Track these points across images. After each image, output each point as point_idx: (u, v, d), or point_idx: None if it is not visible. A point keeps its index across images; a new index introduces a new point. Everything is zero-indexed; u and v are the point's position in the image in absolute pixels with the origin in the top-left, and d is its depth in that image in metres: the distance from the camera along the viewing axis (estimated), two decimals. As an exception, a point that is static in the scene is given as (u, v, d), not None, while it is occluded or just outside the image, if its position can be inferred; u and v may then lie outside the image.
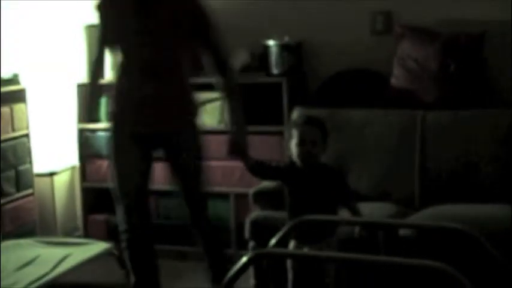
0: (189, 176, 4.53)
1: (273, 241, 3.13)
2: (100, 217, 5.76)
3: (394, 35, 5.25)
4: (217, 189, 5.40)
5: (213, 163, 5.41)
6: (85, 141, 5.76)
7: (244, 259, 2.87)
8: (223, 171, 5.41)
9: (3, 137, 5.29)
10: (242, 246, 5.12)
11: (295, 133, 3.92)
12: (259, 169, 4.14)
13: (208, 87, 5.39)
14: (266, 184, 4.72)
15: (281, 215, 4.18)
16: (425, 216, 4.37)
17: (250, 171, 4.17)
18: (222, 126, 5.38)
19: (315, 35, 5.42)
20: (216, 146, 5.41)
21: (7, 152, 5.33)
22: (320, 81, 5.37)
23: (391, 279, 3.89)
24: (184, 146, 4.45)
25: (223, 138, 5.34)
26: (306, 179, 3.91)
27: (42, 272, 4.57)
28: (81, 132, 5.78)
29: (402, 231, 4.08)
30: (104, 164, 5.68)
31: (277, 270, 3.33)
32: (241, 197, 5.31)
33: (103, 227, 5.72)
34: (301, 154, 3.88)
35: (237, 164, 5.33)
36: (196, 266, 5.35)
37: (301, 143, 3.88)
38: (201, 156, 4.57)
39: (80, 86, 5.72)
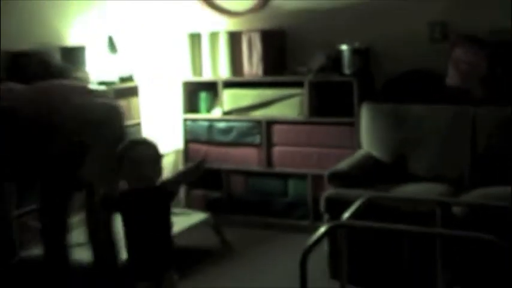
0: None
1: (346, 215, 3.14)
2: (199, 192, 5.84)
3: (449, 42, 5.18)
4: (297, 170, 5.45)
5: (294, 149, 5.47)
6: (188, 128, 5.84)
7: (322, 229, 2.90)
8: (302, 156, 5.43)
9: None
10: (317, 219, 5.14)
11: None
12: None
13: (289, 84, 5.46)
14: (340, 166, 4.72)
15: (352, 192, 4.19)
16: (476, 196, 4.32)
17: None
18: (301, 117, 5.39)
19: (382, 41, 5.38)
20: (296, 134, 5.45)
21: (126, 137, 5.42)
22: (385, 81, 5.34)
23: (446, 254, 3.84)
24: None
25: (302, 128, 5.41)
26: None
27: (151, 236, 4.66)
28: (185, 121, 5.86)
29: (455, 209, 4.04)
30: (202, 148, 5.78)
31: (351, 241, 3.31)
32: (317, 177, 5.32)
33: (202, 200, 5.79)
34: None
35: (314, 150, 5.38)
36: (278, 234, 5.42)
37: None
38: None
39: (185, 83, 5.83)
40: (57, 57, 4.97)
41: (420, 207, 3.90)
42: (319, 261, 3.67)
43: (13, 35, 4.74)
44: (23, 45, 4.73)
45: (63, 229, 3.77)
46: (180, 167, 5.95)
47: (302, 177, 5.46)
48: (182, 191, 5.94)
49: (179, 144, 5.94)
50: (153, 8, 5.93)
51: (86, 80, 5.05)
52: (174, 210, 5.32)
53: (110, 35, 5.39)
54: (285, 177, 5.55)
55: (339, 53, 5.30)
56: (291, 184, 5.53)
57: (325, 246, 4.37)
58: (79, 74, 4.96)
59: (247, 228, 5.55)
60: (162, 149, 5.80)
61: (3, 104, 3.51)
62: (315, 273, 3.26)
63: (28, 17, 4.91)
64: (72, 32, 5.26)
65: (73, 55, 5.08)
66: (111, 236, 3.79)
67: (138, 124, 5.60)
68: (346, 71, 5.24)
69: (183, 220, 4.98)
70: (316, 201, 5.27)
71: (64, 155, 3.54)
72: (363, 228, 3.11)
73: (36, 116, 3.50)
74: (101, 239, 3.76)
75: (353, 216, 3.12)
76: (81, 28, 5.32)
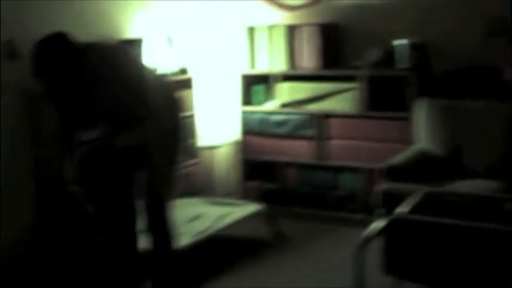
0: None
1: (405, 209, 3.08)
2: (254, 183, 5.82)
3: (507, 37, 5.06)
4: (350, 164, 5.39)
5: (348, 142, 5.40)
6: (244, 120, 5.82)
7: (382, 222, 2.84)
8: (355, 149, 5.36)
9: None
10: (368, 213, 5.08)
11: None
12: None
13: (344, 78, 5.39)
14: (396, 160, 4.65)
15: (408, 186, 4.12)
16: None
17: None
18: (355, 111, 5.32)
19: (438, 35, 5.27)
20: (350, 128, 5.38)
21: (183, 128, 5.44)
22: (441, 75, 5.23)
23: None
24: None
25: (356, 122, 5.34)
26: None
27: (206, 225, 4.66)
28: (242, 113, 5.83)
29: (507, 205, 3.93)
30: (257, 140, 5.75)
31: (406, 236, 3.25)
32: (369, 171, 5.25)
33: (256, 191, 5.76)
34: None
35: (368, 144, 5.31)
36: (330, 227, 5.37)
37: None
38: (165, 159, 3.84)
39: (243, 76, 5.81)
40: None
41: (476, 203, 3.81)
42: (368, 256, 3.60)
43: (75, 27, 4.77)
44: (85, 37, 4.74)
45: (132, 215, 3.76)
46: (237, 158, 5.94)
47: (355, 170, 5.39)
48: (237, 182, 5.94)
49: (236, 136, 5.92)
50: (212, 2, 5.91)
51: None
52: (228, 200, 5.37)
53: (168, 28, 5.40)
54: (337, 170, 5.48)
55: (395, 47, 5.21)
56: (344, 177, 5.47)
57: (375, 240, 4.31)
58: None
59: (300, 220, 5.51)
60: (219, 140, 5.87)
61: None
62: (366, 268, 3.21)
63: (90, 10, 4.94)
64: (132, 25, 5.28)
65: (131, 48, 5.09)
66: (169, 223, 3.78)
67: (191, 116, 5.61)
68: (402, 65, 5.15)
69: (237, 211, 4.97)
70: (367, 195, 5.22)
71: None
72: (423, 223, 3.04)
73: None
74: (159, 226, 3.75)
75: (411, 210, 3.06)
76: (140, 21, 5.34)
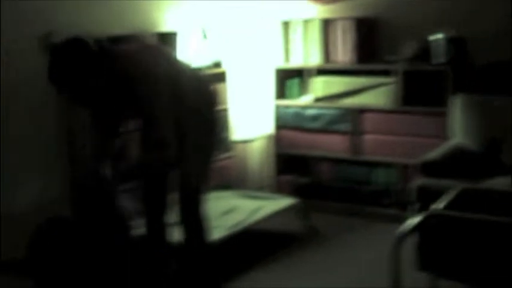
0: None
1: (440, 205, 3.02)
2: (288, 177, 5.78)
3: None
4: (385, 159, 5.33)
5: (383, 137, 5.34)
6: (278, 114, 5.79)
7: (418, 218, 2.79)
8: (390, 145, 5.29)
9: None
10: (403, 208, 5.02)
11: None
12: None
13: (380, 72, 5.33)
14: (432, 155, 4.58)
15: (443, 182, 4.06)
16: None
17: None
18: (391, 106, 5.26)
19: (476, 30, 5.18)
20: (385, 123, 5.32)
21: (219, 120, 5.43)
22: (479, 71, 5.14)
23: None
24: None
25: (391, 117, 5.28)
26: None
27: (239, 219, 4.64)
28: (276, 107, 5.80)
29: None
30: (291, 134, 5.72)
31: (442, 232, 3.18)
32: (404, 167, 5.19)
33: (289, 185, 5.73)
34: None
35: (403, 139, 5.24)
36: (364, 222, 5.32)
37: None
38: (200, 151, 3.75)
39: (278, 70, 5.78)
40: (153, 41, 4.99)
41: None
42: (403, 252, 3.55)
43: (110, 20, 4.79)
44: (120, 30, 4.76)
45: (163, 208, 3.75)
46: (271, 152, 5.91)
47: (390, 165, 5.33)
48: (270, 176, 5.92)
49: (270, 130, 5.89)
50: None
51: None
52: (262, 194, 5.34)
53: (202, 21, 5.38)
54: (372, 165, 5.42)
55: (432, 41, 5.13)
56: (379, 172, 5.41)
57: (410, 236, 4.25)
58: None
59: (333, 214, 5.47)
60: (252, 134, 5.86)
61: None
62: (401, 264, 3.15)
63: (125, 3, 4.95)
64: (167, 18, 5.28)
65: (166, 41, 5.09)
66: (202, 216, 3.76)
67: (225, 110, 5.60)
68: (439, 60, 5.07)
69: (271, 204, 4.94)
70: (403, 190, 5.16)
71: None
72: (460, 219, 2.98)
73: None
74: (192, 219, 3.74)
75: (447, 206, 3.00)
76: (175, 15, 5.33)
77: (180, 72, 3.55)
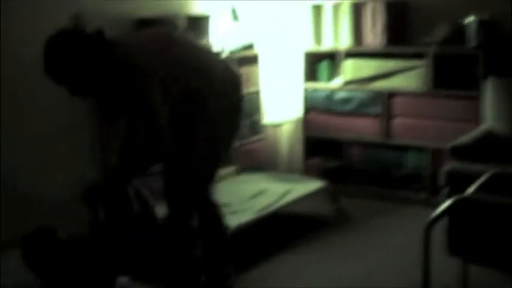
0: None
1: (471, 189, 2.99)
2: (317, 161, 5.76)
3: None
4: (416, 143, 5.28)
5: (414, 121, 5.30)
6: (307, 97, 5.76)
7: (448, 202, 2.77)
8: (422, 128, 5.24)
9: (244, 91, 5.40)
10: (434, 193, 4.99)
11: None
12: None
13: (411, 55, 5.28)
14: (463, 140, 4.53)
15: (474, 166, 4.02)
16: None
17: None
18: (422, 89, 5.20)
19: (510, 12, 5.10)
20: (416, 106, 5.28)
21: (245, 103, 5.42)
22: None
23: None
24: None
25: (422, 100, 5.22)
26: None
27: (268, 202, 4.64)
28: (305, 90, 5.77)
29: None
30: (321, 117, 5.70)
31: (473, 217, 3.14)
32: (436, 150, 5.14)
33: (318, 169, 5.70)
34: None
35: (434, 123, 5.19)
36: (394, 206, 5.29)
37: None
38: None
39: (308, 53, 5.75)
40: (183, 26, 4.99)
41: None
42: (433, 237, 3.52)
43: (141, 2, 4.79)
44: (150, 13, 4.76)
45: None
46: (299, 135, 5.89)
47: (421, 149, 5.28)
48: (299, 159, 5.91)
49: (299, 113, 5.87)
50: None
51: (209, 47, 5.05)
52: (292, 176, 5.34)
53: (234, 4, 5.36)
54: (403, 149, 5.38)
55: (464, 24, 5.07)
56: (409, 156, 5.37)
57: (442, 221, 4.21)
58: (203, 42, 4.96)
59: (363, 198, 5.45)
60: (283, 117, 5.84)
61: None
62: (432, 249, 3.13)
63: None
64: (198, 1, 5.26)
65: (198, 24, 5.08)
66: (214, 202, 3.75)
67: (257, 92, 5.59)
68: (471, 43, 5.00)
69: (300, 188, 4.93)
70: (434, 174, 5.12)
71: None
72: (490, 203, 2.94)
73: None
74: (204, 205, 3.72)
75: (478, 191, 2.97)
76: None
77: (206, 58, 3.52)
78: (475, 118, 4.95)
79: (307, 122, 5.80)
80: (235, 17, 5.35)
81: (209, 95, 3.40)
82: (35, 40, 3.36)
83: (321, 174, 5.58)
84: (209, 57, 3.56)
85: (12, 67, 4.01)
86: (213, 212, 3.71)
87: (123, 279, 3.46)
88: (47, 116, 4.27)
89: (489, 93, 4.86)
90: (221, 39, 5.20)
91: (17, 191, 4.00)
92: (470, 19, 5.00)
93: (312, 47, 5.73)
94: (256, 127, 5.59)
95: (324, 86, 5.69)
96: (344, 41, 5.57)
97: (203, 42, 4.95)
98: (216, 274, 3.72)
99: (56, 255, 3.30)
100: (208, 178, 3.57)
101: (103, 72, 3.21)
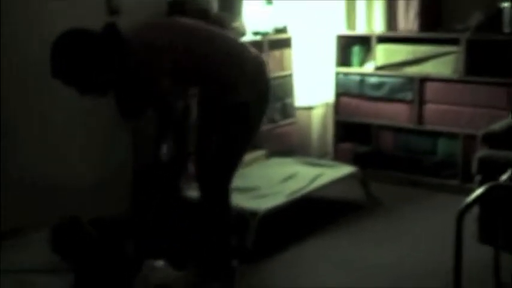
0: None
1: (504, 177, 2.96)
2: (347, 145, 5.73)
3: None
4: (449, 129, 5.23)
5: (446, 107, 5.24)
6: (339, 82, 5.73)
7: (480, 189, 2.74)
8: (454, 115, 5.19)
9: (275, 74, 5.39)
10: (466, 180, 4.94)
11: None
12: None
13: (444, 41, 5.22)
14: (495, 127, 4.47)
15: (506, 154, 3.96)
16: None
17: None
18: (455, 76, 5.15)
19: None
20: (449, 92, 5.22)
21: (276, 87, 5.41)
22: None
23: None
24: None
25: (455, 86, 5.17)
26: None
27: (299, 186, 4.62)
28: (337, 75, 5.74)
29: None
30: (353, 102, 5.67)
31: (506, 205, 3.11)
32: (468, 137, 5.09)
33: (349, 153, 5.68)
34: None
35: (467, 109, 5.14)
36: (425, 193, 5.26)
37: None
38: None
39: (338, 37, 5.70)
40: (216, 6, 4.97)
41: None
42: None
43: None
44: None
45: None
46: (330, 119, 5.87)
47: (453, 136, 5.23)
48: (330, 143, 5.88)
49: (330, 98, 5.84)
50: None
51: (242, 30, 5.04)
52: (322, 161, 5.32)
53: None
54: (435, 135, 5.33)
55: (499, 10, 5.00)
56: (441, 143, 5.32)
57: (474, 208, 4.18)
58: (236, 24, 4.95)
59: (393, 184, 5.41)
60: (314, 101, 5.82)
61: None
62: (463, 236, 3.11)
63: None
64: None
65: (231, 4, 5.07)
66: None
67: (290, 75, 5.58)
68: (506, 29, 4.93)
69: (331, 172, 4.92)
70: (466, 161, 5.07)
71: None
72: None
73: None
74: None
75: (510, 179, 2.93)
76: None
77: (234, 45, 3.51)
78: (508, 105, 4.88)
79: (338, 106, 5.77)
80: (269, 0, 5.33)
81: (239, 81, 3.40)
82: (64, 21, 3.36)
83: (352, 159, 5.56)
84: (238, 46, 3.55)
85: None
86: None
87: (158, 263, 3.48)
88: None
89: (524, 80, 4.79)
90: (254, 22, 5.19)
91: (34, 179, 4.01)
92: (505, 4, 4.93)
93: (345, 30, 5.69)
94: (287, 110, 5.58)
95: (356, 70, 5.65)
96: (377, 25, 5.52)
97: (236, 23, 4.94)
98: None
99: (86, 242, 3.32)
100: (237, 162, 3.56)
101: (114, 70, 3.18)
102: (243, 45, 3.59)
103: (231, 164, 3.51)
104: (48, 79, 3.19)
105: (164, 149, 3.49)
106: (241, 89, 3.39)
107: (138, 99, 3.30)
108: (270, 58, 5.31)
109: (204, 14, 4.51)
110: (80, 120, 4.26)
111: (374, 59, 5.52)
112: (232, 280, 3.56)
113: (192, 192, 3.80)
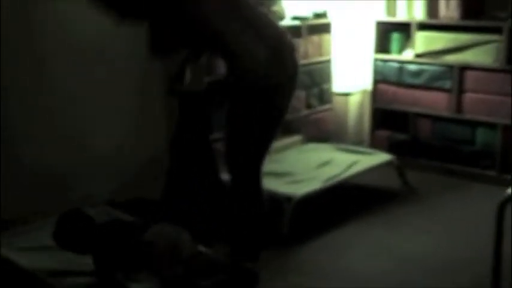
0: None
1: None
2: (384, 133, 5.68)
3: None
4: (487, 119, 5.14)
5: (486, 96, 5.16)
6: (377, 68, 5.67)
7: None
8: (494, 104, 5.10)
9: (313, 59, 5.36)
10: (504, 171, 4.87)
11: None
12: None
13: (486, 29, 5.13)
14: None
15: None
16: None
17: None
18: (496, 65, 5.06)
19: None
20: (489, 81, 5.13)
21: (314, 72, 5.40)
22: None
23: None
24: None
25: (496, 76, 5.08)
26: None
27: (335, 172, 4.60)
28: (375, 61, 5.68)
29: None
30: (390, 89, 5.60)
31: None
32: (508, 128, 5.00)
33: (385, 141, 5.63)
34: None
35: (507, 99, 5.04)
36: (462, 182, 5.19)
37: None
38: None
39: (378, 23, 5.62)
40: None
41: None
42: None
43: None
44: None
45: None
46: (368, 106, 5.81)
47: (492, 126, 5.14)
48: (367, 131, 5.83)
49: (367, 84, 5.78)
50: None
51: (281, 14, 5.00)
52: (358, 148, 5.28)
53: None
54: (473, 124, 5.24)
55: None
56: (479, 132, 5.23)
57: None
58: (275, 7, 4.91)
59: (430, 173, 5.35)
60: (352, 87, 5.77)
61: None
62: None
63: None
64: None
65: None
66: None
67: (329, 61, 5.54)
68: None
69: (367, 159, 4.88)
70: (504, 152, 5.00)
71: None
72: None
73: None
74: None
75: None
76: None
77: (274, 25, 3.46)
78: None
79: (376, 93, 5.70)
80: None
81: (272, 65, 3.33)
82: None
83: (388, 146, 5.51)
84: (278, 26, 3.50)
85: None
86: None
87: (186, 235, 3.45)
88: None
89: None
90: (294, 5, 5.15)
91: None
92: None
93: (385, 17, 5.61)
94: (324, 96, 5.55)
95: (394, 57, 5.58)
96: (417, 12, 5.44)
97: (275, 7, 4.90)
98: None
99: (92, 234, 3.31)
100: (267, 144, 3.52)
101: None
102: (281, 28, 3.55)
103: (261, 147, 3.47)
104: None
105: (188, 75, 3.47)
106: (270, 70, 3.33)
107: (176, 30, 3.24)
108: (309, 43, 5.28)
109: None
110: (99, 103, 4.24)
111: (413, 46, 5.44)
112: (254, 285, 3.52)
113: (224, 176, 3.78)
